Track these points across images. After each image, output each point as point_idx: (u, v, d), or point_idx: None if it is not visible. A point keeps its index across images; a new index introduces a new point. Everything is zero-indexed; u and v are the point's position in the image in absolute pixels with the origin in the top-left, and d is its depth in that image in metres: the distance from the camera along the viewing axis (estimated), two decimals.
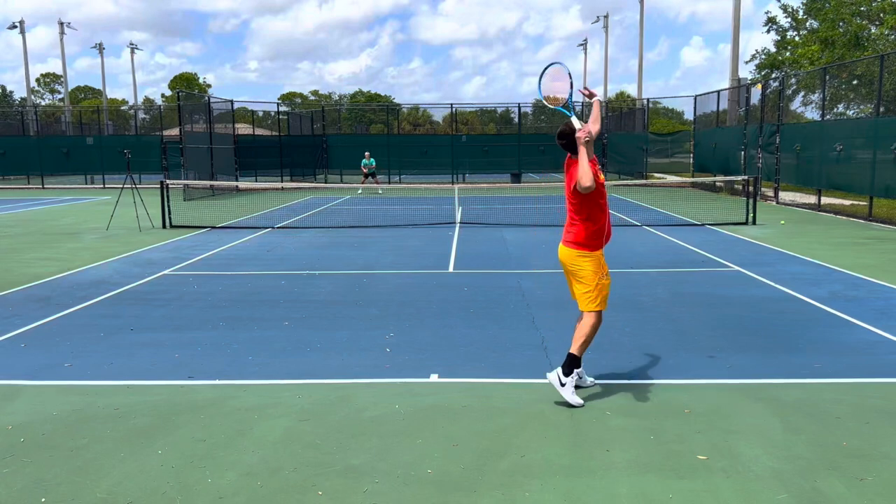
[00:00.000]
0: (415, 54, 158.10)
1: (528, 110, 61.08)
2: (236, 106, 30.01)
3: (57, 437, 4.47)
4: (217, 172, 25.59)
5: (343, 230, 15.08)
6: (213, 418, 4.75)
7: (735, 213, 16.70)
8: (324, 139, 35.15)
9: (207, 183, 24.38)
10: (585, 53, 60.57)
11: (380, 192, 26.64)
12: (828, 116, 22.04)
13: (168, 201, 15.82)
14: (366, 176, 26.76)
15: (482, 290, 8.73)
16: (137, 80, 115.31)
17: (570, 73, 5.17)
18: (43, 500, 3.69)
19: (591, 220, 5.07)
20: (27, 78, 53.29)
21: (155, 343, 6.55)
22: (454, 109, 37.49)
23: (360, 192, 26.88)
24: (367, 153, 27.21)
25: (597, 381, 5.39)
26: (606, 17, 52.90)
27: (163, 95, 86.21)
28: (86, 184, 35.01)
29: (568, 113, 5.13)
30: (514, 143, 35.03)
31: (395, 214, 18.46)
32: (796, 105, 30.16)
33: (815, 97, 27.18)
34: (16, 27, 49.18)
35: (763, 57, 35.08)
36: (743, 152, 23.02)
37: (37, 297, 8.57)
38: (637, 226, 15.37)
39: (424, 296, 8.48)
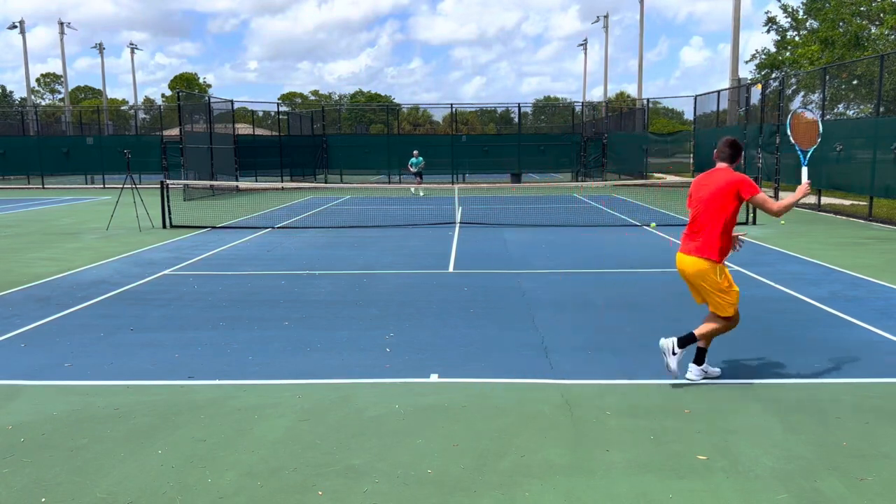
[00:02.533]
0: (414, 54, 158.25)
1: (528, 110, 61.14)
2: (236, 106, 30.02)
3: (57, 437, 4.47)
4: (217, 172, 25.59)
5: (343, 230, 15.08)
6: (213, 418, 4.75)
7: None
8: (324, 139, 35.17)
9: (207, 183, 24.38)
10: (585, 53, 60.62)
11: (420, 193, 25.77)
12: (828, 116, 22.03)
13: (168, 201, 15.82)
14: (416, 175, 26.20)
15: (482, 290, 8.73)
16: (137, 80, 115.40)
17: (820, 133, 5.91)
18: (43, 500, 3.69)
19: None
20: (27, 78, 53.38)
21: (155, 343, 6.55)
22: (454, 109, 37.52)
23: (413, 191, 26.08)
24: (415, 151, 26.59)
25: (597, 381, 5.39)
26: (606, 17, 52.93)
27: (163, 95, 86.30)
28: (86, 184, 35.02)
29: (804, 162, 5.76)
30: (514, 143, 35.05)
31: (395, 214, 18.46)
32: (796, 105, 30.12)
33: (815, 97, 27.18)
34: (16, 27, 49.21)
35: (763, 57, 35.08)
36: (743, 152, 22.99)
37: (37, 297, 8.57)
38: (637, 226, 15.37)
39: (424, 296, 8.48)
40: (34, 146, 34.27)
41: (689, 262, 5.30)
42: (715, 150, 5.46)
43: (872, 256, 11.02)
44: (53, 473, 3.98)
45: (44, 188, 32.77)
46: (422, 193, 25.95)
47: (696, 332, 5.28)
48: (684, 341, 5.24)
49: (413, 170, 26.21)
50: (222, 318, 7.46)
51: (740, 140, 5.45)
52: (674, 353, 5.20)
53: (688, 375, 5.36)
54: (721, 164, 5.39)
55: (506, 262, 10.76)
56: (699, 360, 5.39)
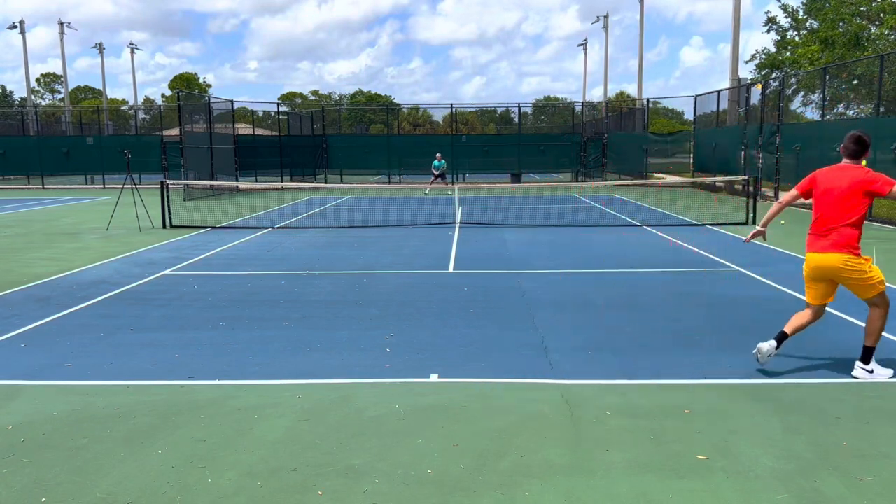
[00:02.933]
0: (414, 54, 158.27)
1: (528, 110, 61.15)
2: (236, 106, 30.02)
3: (57, 437, 4.47)
4: (217, 172, 25.59)
5: (343, 230, 15.08)
6: (213, 418, 4.75)
7: (735, 213, 16.70)
8: (324, 139, 35.17)
9: (207, 183, 24.38)
10: (585, 53, 60.56)
11: (448, 192, 25.51)
12: (828, 116, 22.03)
13: (168, 201, 15.82)
14: (436, 177, 26.25)
15: (482, 290, 8.73)
16: (137, 80, 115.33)
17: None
18: (43, 500, 3.69)
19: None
20: (27, 78, 53.36)
21: (155, 343, 6.55)
22: (454, 109, 37.53)
23: (427, 192, 25.95)
24: (438, 154, 26.77)
25: (597, 381, 5.40)
26: (606, 17, 52.91)
27: (163, 95, 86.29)
28: (86, 184, 35.02)
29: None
30: (514, 143, 35.06)
31: (395, 214, 18.46)
32: (796, 105, 30.16)
33: (815, 97, 27.18)
34: (16, 27, 49.20)
35: (763, 57, 35.05)
36: (743, 152, 23.01)
37: (37, 297, 8.57)
38: (637, 226, 15.37)
39: (424, 296, 8.48)
40: (34, 146, 34.26)
41: (830, 259, 5.32)
42: (841, 146, 5.46)
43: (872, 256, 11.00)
44: (53, 473, 3.98)
45: (44, 188, 32.77)
46: (449, 192, 25.58)
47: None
48: (865, 356, 5.42)
49: (436, 172, 26.33)
50: (222, 318, 7.46)
51: (865, 134, 5.41)
52: (869, 371, 5.41)
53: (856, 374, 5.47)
54: (848, 161, 5.42)
55: (506, 262, 10.75)
56: (866, 360, 5.46)
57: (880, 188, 5.19)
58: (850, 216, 5.27)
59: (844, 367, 5.70)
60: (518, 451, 4.20)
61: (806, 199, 5.62)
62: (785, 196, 5.69)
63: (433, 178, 26.53)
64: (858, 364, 5.47)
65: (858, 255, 5.32)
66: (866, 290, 5.34)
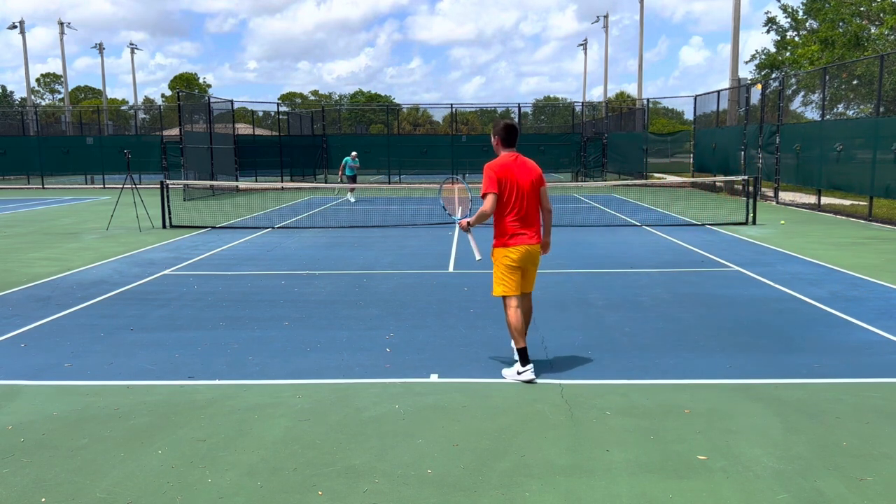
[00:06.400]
0: (414, 54, 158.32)
1: (528, 110, 61.11)
2: (236, 106, 30.02)
3: (57, 437, 4.47)
4: (217, 172, 25.59)
5: (343, 230, 15.08)
6: (213, 418, 4.75)
7: (735, 213, 16.70)
8: (324, 139, 35.15)
9: (207, 183, 24.38)
10: (585, 53, 60.50)
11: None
12: (828, 116, 22.03)
13: (168, 201, 15.82)
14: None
15: (482, 290, 8.72)
16: (137, 80, 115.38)
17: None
18: (43, 500, 3.69)
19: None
20: (27, 78, 53.32)
21: (155, 343, 6.54)
22: (454, 109, 37.51)
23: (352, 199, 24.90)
24: (353, 153, 25.03)
25: (597, 381, 5.39)
26: (606, 17, 52.92)
27: (163, 95, 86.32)
28: (86, 184, 35.03)
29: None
30: None
31: (395, 214, 18.46)
32: (796, 105, 30.15)
33: (815, 97, 27.18)
34: (16, 27, 49.17)
35: (763, 57, 35.07)
36: (743, 152, 23.01)
37: (37, 297, 8.57)
38: (637, 226, 15.37)
39: (424, 296, 8.48)
40: (34, 146, 34.23)
41: (537, 248, 5.57)
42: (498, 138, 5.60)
43: (872, 256, 11.02)
44: (53, 473, 3.98)
45: (44, 188, 32.77)
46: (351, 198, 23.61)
47: None
48: None
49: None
50: (222, 318, 7.46)
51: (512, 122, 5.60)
52: None
53: None
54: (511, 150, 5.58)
55: None
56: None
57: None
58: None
59: (844, 367, 5.70)
60: (518, 451, 4.20)
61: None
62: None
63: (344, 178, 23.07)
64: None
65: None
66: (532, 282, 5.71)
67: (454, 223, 6.08)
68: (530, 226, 5.50)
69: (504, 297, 5.50)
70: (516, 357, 5.47)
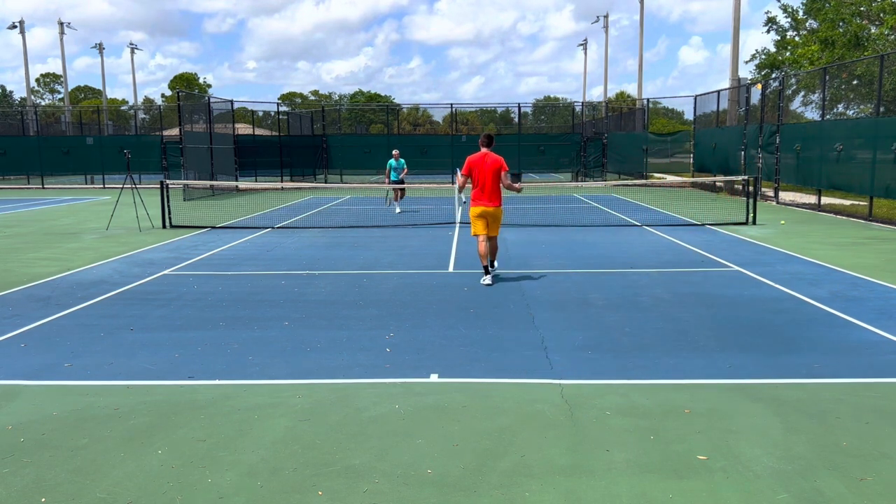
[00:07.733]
0: (413, 54, 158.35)
1: (528, 110, 61.11)
2: (236, 106, 30.02)
3: (57, 437, 4.47)
4: (217, 172, 25.59)
5: (343, 230, 15.08)
6: (213, 418, 4.75)
7: (735, 213, 16.70)
8: (324, 139, 35.15)
9: (207, 183, 24.38)
10: (585, 53, 60.48)
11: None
12: (828, 116, 22.03)
13: (168, 201, 15.82)
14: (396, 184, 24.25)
15: (482, 290, 8.73)
16: (137, 80, 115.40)
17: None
18: (43, 500, 3.69)
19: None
20: (27, 78, 53.32)
21: (155, 343, 6.55)
22: (454, 109, 37.52)
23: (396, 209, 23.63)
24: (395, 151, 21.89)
25: (597, 381, 5.39)
26: (606, 17, 52.91)
27: (163, 95, 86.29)
28: (86, 184, 35.03)
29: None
30: (514, 143, 35.00)
31: (395, 214, 18.45)
32: (796, 105, 30.14)
33: (815, 97, 27.18)
34: (16, 27, 49.17)
35: (763, 57, 35.05)
36: (743, 152, 23.02)
37: (37, 297, 8.57)
38: (637, 226, 15.37)
39: (424, 296, 8.48)
40: (34, 146, 34.22)
41: (492, 208, 9.10)
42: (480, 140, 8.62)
43: (872, 256, 11.02)
44: (53, 473, 3.98)
45: (44, 188, 32.77)
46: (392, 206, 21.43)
47: None
48: None
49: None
50: (222, 318, 7.46)
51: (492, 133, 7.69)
52: None
53: None
54: (486, 150, 9.15)
55: (506, 261, 10.75)
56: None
57: (505, 167, 9.13)
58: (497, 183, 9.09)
59: (844, 367, 5.70)
60: (518, 451, 4.20)
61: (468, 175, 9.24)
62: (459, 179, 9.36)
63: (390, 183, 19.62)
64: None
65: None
66: (496, 229, 9.29)
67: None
68: (489, 195, 9.10)
69: (476, 235, 9.19)
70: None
